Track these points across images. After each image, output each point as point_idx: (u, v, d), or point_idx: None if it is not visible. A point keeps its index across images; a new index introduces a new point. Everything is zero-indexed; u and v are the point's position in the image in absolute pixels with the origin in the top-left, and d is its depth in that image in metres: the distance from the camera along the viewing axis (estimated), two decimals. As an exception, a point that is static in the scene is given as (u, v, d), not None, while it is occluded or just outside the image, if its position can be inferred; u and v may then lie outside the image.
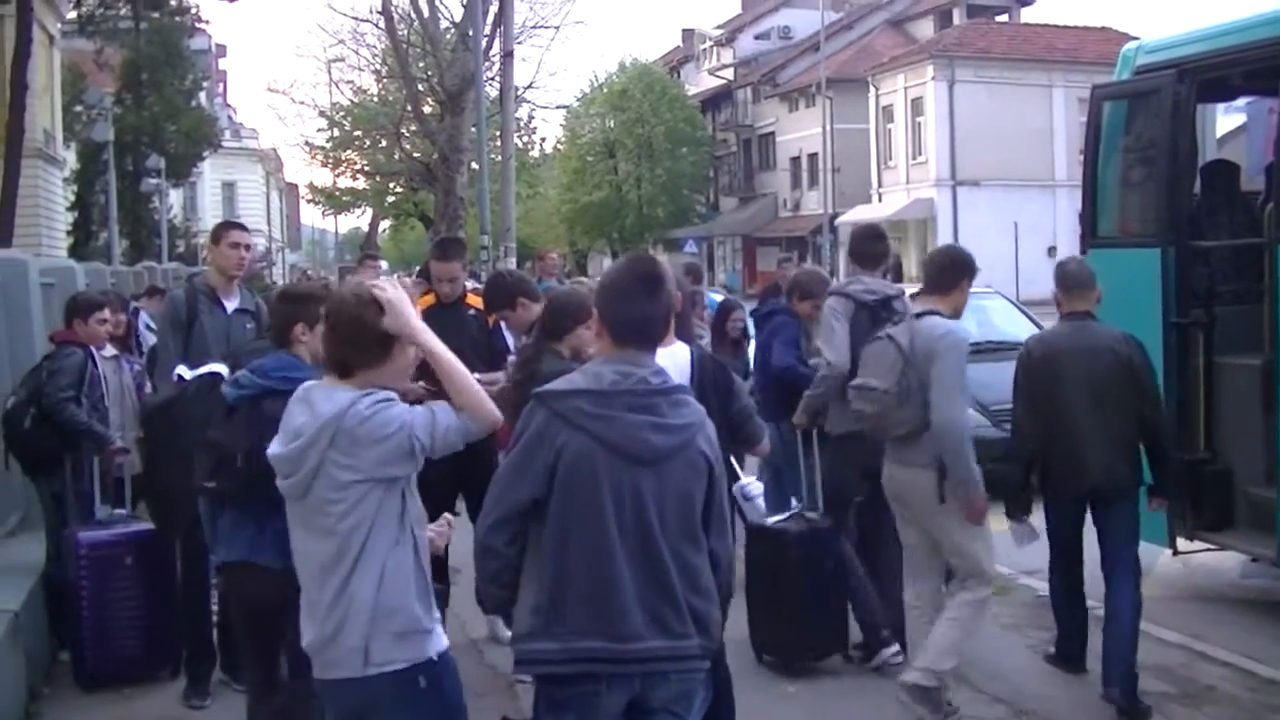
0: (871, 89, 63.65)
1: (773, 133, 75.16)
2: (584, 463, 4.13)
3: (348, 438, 4.31)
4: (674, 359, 5.97)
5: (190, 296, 8.33)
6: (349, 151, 52.59)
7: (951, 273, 7.48)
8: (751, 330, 10.88)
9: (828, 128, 62.88)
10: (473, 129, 31.30)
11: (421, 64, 38.23)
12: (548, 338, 6.82)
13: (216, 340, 8.01)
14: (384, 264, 17.71)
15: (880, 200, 63.47)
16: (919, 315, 7.26)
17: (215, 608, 7.86)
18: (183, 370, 7.50)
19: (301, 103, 51.19)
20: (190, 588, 7.89)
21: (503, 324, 8.73)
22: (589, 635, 4.12)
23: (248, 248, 8.58)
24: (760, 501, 8.05)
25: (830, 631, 8.38)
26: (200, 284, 8.54)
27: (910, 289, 8.97)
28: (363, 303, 4.42)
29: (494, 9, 31.92)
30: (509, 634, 5.45)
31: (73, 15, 45.07)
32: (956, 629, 7.24)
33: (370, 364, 4.41)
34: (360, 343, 4.42)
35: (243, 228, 8.88)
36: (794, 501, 8.83)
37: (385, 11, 36.27)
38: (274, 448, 4.55)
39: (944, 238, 57.91)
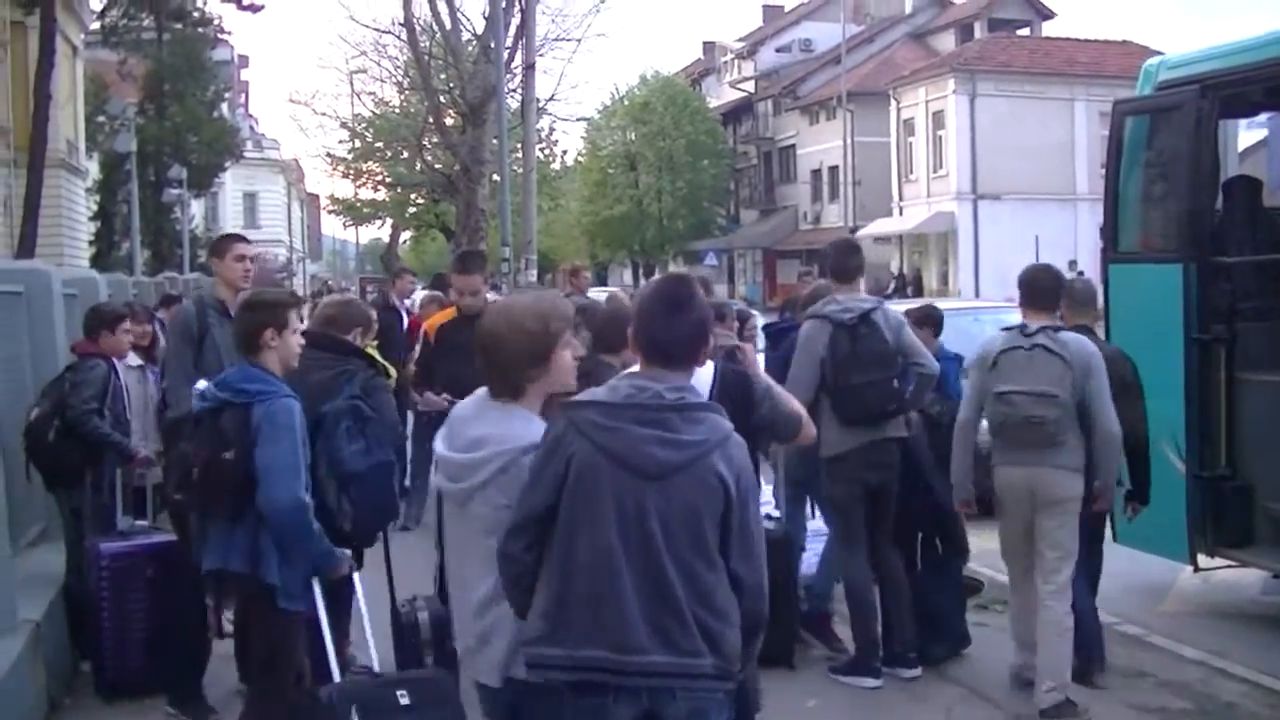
0: (893, 102, 63.63)
1: (793, 145, 75.18)
2: (589, 472, 4.15)
3: (520, 472, 4.39)
4: (697, 374, 5.93)
5: (200, 310, 8.29)
6: (370, 163, 52.61)
7: (1056, 293, 8.07)
8: (762, 343, 10.83)
9: (848, 140, 62.89)
10: (494, 141, 31.33)
11: (443, 76, 38.25)
12: (602, 351, 6.81)
13: (229, 354, 7.95)
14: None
15: (901, 213, 63.46)
16: (1055, 330, 7.79)
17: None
18: (203, 384, 7.50)
19: (323, 114, 50.98)
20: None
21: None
22: (592, 644, 4.12)
23: (253, 259, 8.56)
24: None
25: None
26: (209, 298, 8.48)
27: (905, 305, 9.03)
28: (512, 327, 4.57)
29: (516, 21, 31.96)
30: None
31: (96, 26, 45.32)
32: (1060, 642, 7.68)
33: (536, 377, 4.57)
34: (520, 363, 4.56)
35: (245, 240, 8.86)
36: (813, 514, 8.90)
37: (407, 23, 36.29)
38: (442, 448, 4.65)
39: (965, 251, 57.99)
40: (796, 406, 6.40)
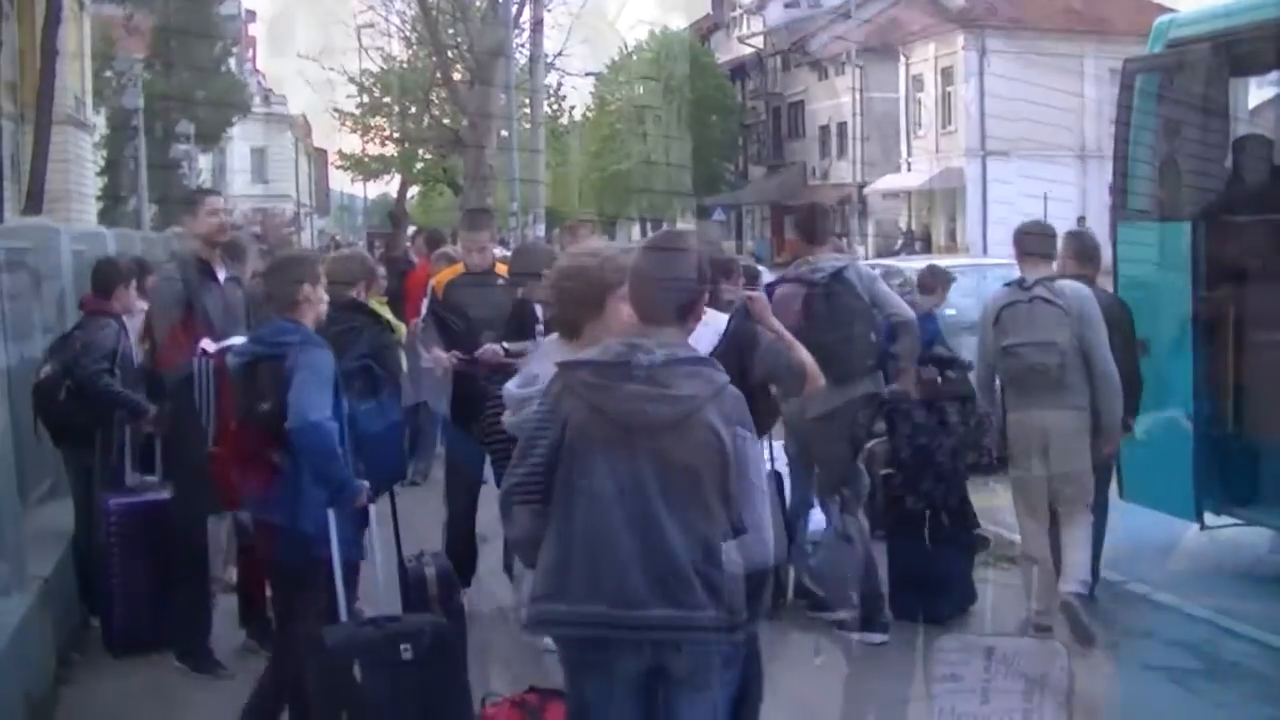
0: (902, 58, 63.27)
1: (802, 101, 74.83)
2: (584, 431, 4.23)
3: None
4: (711, 327, 5.89)
5: (184, 272, 8.23)
6: (378, 118, 52.48)
7: (1049, 243, 8.51)
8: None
9: (857, 96, 62.63)
10: (502, 96, 31.22)
11: (451, 30, 38.09)
12: None
13: (216, 313, 7.95)
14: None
15: (909, 170, 63.20)
16: (1050, 280, 8.16)
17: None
18: (206, 345, 7.51)
19: (331, 69, 50.84)
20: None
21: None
22: (592, 600, 4.19)
23: (226, 214, 8.56)
24: None
25: None
26: (190, 258, 8.35)
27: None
28: (572, 265, 4.89)
29: (524, -25, 31.86)
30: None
31: (103, -20, 45.16)
32: (1083, 549, 8.14)
33: (591, 318, 4.79)
34: (574, 301, 4.85)
35: (216, 193, 8.91)
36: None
37: (415, -23, 36.16)
38: (509, 385, 5.06)
39: (973, 208, 57.78)
40: (804, 357, 6.35)
